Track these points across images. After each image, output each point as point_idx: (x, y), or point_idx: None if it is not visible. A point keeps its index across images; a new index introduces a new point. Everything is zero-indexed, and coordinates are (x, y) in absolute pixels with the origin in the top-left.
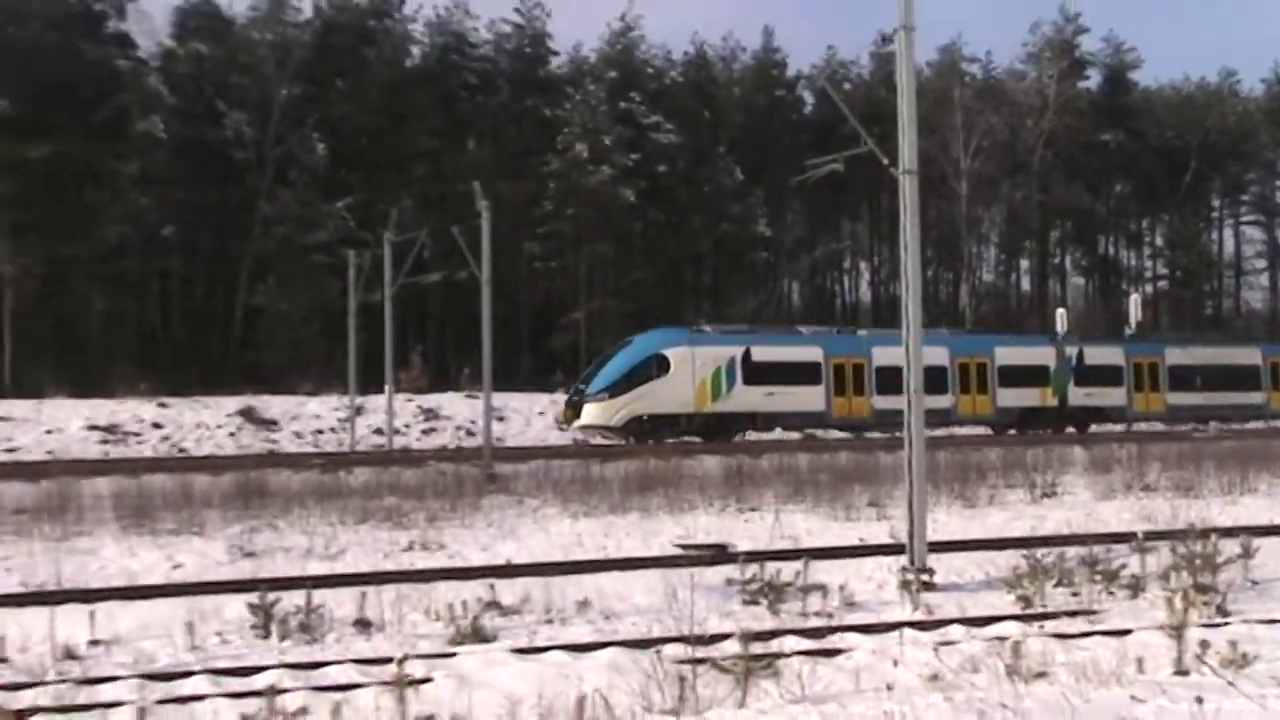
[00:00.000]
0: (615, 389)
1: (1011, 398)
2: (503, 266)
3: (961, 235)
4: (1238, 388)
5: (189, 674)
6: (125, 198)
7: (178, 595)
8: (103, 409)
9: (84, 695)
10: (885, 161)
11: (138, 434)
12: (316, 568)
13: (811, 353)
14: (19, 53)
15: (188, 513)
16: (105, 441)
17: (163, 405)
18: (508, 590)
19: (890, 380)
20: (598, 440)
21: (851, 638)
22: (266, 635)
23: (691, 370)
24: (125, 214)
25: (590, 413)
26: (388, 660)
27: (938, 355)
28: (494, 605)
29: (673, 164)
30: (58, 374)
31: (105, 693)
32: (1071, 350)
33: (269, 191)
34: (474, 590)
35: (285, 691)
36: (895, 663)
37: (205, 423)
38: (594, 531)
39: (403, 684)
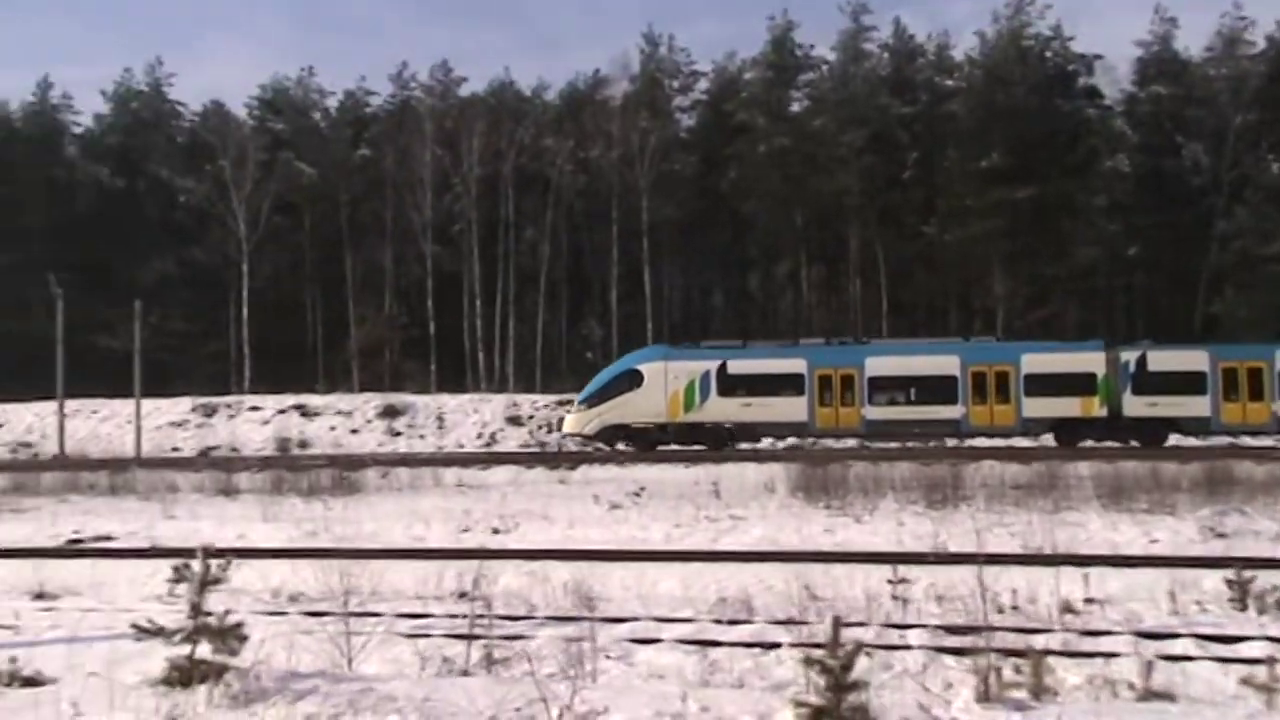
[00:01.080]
0: (591, 401)
1: (1041, 407)
2: None
3: None
4: None
5: (1175, 635)
6: (1095, 225)
7: (1158, 566)
8: None
9: (1086, 644)
10: None
11: None
12: None
13: (794, 365)
14: (1007, 113)
15: (1159, 495)
16: None
17: None
18: None
19: (884, 390)
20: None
21: None
22: (1243, 609)
23: (664, 384)
24: (1096, 238)
25: (569, 422)
26: None
27: (946, 364)
28: None
29: None
30: None
31: (1103, 644)
32: (1130, 356)
33: (1224, 210)
34: None
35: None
36: None
37: None
38: None
39: None
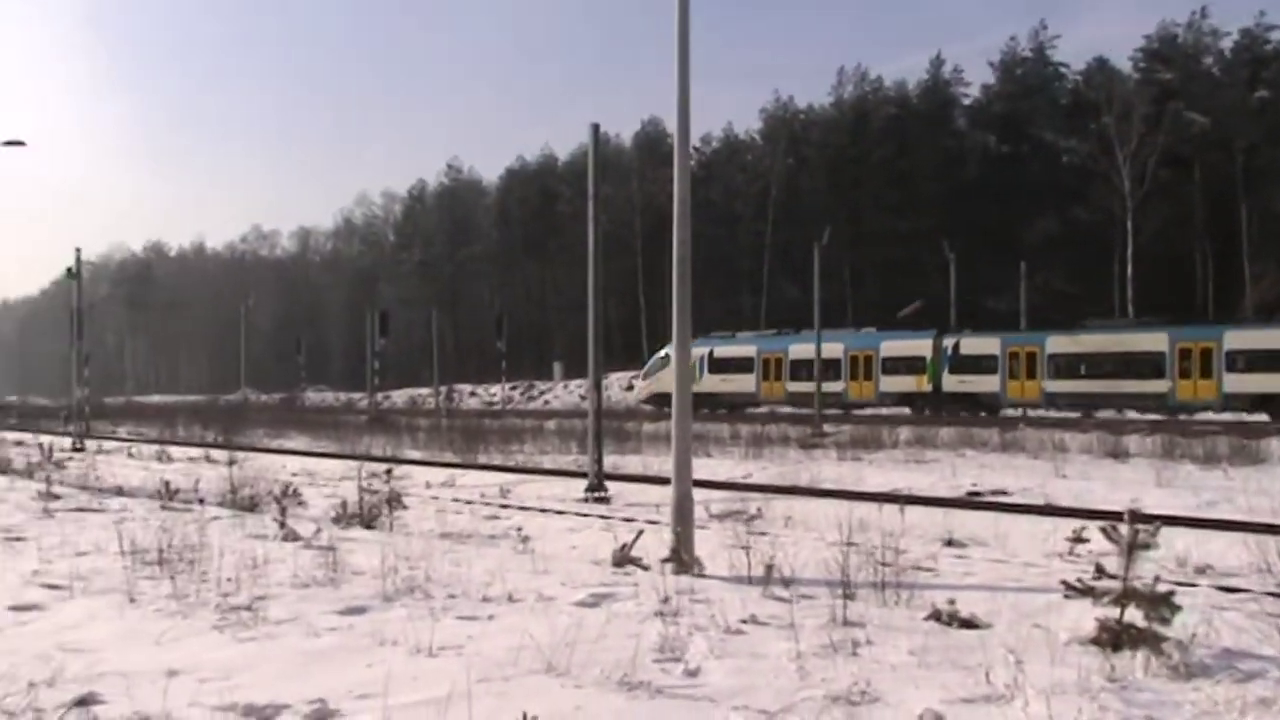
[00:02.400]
0: (645, 375)
1: (891, 384)
2: None
3: None
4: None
5: None
6: None
7: None
8: None
9: None
10: None
11: None
12: None
13: (749, 350)
14: None
15: None
16: None
17: None
18: None
19: (799, 370)
20: None
21: None
22: None
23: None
24: None
25: (636, 391)
26: None
27: (835, 350)
28: None
29: None
30: None
31: None
32: (949, 342)
33: None
34: None
35: None
36: None
37: None
38: None
39: None
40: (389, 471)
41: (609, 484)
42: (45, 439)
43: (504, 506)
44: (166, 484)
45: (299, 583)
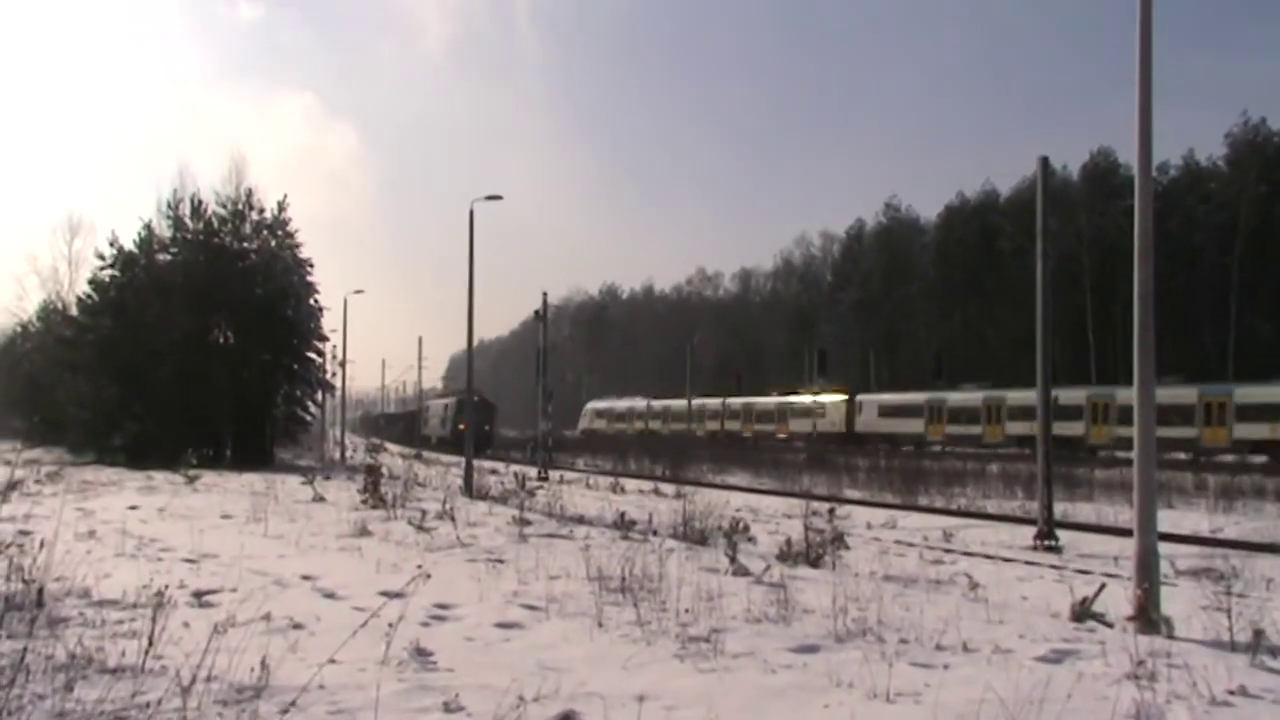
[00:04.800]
0: (581, 421)
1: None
2: None
3: None
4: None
5: None
6: None
7: None
8: None
9: None
10: None
11: None
12: None
13: (607, 405)
14: None
15: None
16: None
17: None
18: None
19: (619, 417)
20: None
21: None
22: None
23: (589, 415)
24: None
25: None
26: None
27: (637, 406)
28: None
29: None
30: None
31: None
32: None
33: None
34: None
35: None
36: None
37: None
38: None
39: None
40: (832, 511)
41: (1059, 532)
42: (516, 468)
43: (948, 551)
44: (622, 515)
45: (751, 617)
